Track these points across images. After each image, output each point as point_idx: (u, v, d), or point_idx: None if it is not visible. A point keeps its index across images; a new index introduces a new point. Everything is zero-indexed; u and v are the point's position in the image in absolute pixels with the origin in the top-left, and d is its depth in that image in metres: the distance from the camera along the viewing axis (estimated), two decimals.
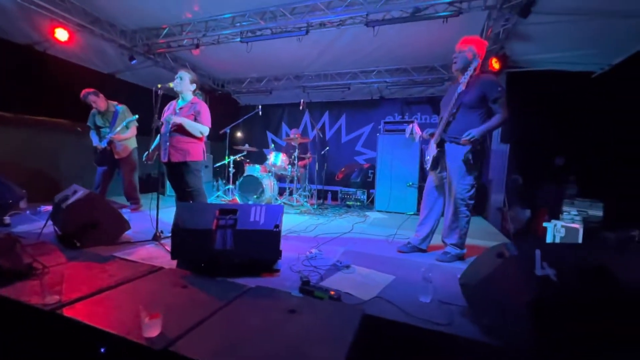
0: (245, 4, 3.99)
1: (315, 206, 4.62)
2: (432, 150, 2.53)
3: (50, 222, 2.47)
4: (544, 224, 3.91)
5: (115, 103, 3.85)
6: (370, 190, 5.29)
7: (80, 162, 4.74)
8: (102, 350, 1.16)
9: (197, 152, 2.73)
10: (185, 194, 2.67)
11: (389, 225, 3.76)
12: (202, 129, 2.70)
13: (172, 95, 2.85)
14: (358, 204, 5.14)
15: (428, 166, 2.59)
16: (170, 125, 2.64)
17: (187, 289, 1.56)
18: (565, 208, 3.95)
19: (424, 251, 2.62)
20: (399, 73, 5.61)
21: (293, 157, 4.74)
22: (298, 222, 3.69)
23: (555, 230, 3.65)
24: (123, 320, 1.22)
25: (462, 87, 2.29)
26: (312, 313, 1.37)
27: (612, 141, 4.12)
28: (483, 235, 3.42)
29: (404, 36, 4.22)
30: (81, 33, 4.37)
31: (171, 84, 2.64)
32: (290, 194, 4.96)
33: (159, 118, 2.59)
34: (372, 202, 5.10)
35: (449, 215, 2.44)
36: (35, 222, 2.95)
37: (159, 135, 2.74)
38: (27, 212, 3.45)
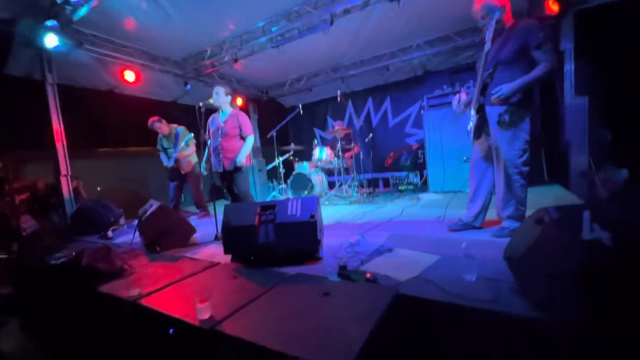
0: (271, 9, 4.15)
1: (366, 195, 4.60)
2: (473, 118, 2.30)
3: (137, 233, 2.98)
4: None
5: (176, 126, 4.40)
6: (423, 172, 5.03)
7: (162, 180, 5.55)
8: (171, 331, 1.40)
9: (244, 158, 2.99)
10: (236, 197, 2.96)
11: (442, 205, 3.53)
12: (249, 142, 2.97)
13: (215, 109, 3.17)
14: (411, 187, 4.94)
15: (471, 136, 2.36)
16: (220, 140, 2.95)
17: (237, 279, 1.76)
18: None
19: (478, 228, 2.43)
20: (440, 42, 5.18)
21: (337, 149, 4.78)
22: (346, 212, 3.73)
23: None
24: (184, 306, 1.45)
25: (488, 45, 2.05)
26: (345, 295, 1.42)
27: None
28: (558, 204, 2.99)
29: (431, 5, 3.89)
30: (145, 71, 5.09)
31: (211, 100, 2.93)
32: (340, 186, 5.02)
33: (205, 132, 2.91)
34: (425, 183, 4.85)
35: (502, 186, 2.20)
36: (130, 234, 3.58)
37: (206, 148, 3.08)
38: (125, 226, 4.19)
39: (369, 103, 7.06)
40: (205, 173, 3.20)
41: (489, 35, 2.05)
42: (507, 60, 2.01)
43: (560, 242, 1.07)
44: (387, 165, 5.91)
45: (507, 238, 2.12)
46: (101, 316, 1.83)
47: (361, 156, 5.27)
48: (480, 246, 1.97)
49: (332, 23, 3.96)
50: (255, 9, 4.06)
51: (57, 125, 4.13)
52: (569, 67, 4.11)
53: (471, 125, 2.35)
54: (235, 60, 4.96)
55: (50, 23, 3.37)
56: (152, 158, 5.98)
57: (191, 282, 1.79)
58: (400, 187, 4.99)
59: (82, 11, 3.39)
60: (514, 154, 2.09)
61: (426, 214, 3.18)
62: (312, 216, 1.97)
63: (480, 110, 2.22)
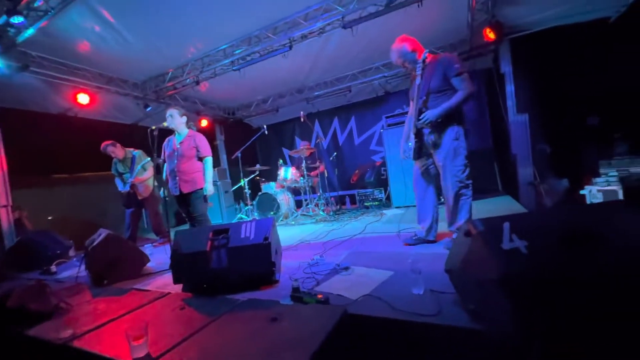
0: (232, 35, 4.23)
1: (332, 213, 4.63)
2: (411, 141, 2.48)
3: (83, 266, 2.76)
4: (581, 192, 3.56)
5: (132, 149, 4.23)
6: (387, 188, 5.18)
7: (120, 207, 5.23)
8: None
9: (201, 181, 2.92)
10: (194, 221, 2.85)
11: (404, 220, 3.65)
12: (208, 164, 2.93)
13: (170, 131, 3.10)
14: (376, 203, 5.05)
15: (410, 156, 2.52)
16: (176, 161, 2.86)
17: (184, 310, 1.67)
18: (602, 170, 3.57)
19: (432, 242, 2.51)
20: (392, 66, 5.51)
21: (302, 168, 4.82)
22: (311, 231, 3.72)
23: (591, 197, 3.30)
24: (120, 345, 1.34)
25: (419, 79, 2.33)
26: (293, 318, 1.39)
27: None
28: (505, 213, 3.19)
29: (385, 30, 4.16)
30: (100, 93, 4.91)
31: (165, 124, 2.87)
32: (308, 205, 5.02)
33: (159, 155, 2.83)
34: (388, 199, 4.99)
35: (450, 200, 2.34)
36: (77, 267, 3.31)
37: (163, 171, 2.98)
38: (74, 259, 3.87)
39: (335, 122, 7.25)
40: (167, 198, 3.08)
41: (418, 71, 2.34)
42: (437, 89, 2.27)
43: (484, 252, 1.13)
44: (353, 182, 6.02)
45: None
46: None
47: (326, 174, 5.33)
48: (430, 260, 2.03)
49: (291, 47, 4.09)
50: (216, 33, 4.11)
51: None
52: (510, 88, 4.52)
53: (411, 146, 2.50)
54: (197, 83, 4.93)
55: None
56: (110, 184, 5.68)
57: (134, 317, 1.67)
58: (366, 204, 5.08)
59: (27, 33, 3.24)
60: (457, 169, 2.26)
61: (387, 229, 3.25)
62: (266, 238, 1.94)
63: (419, 134, 2.42)
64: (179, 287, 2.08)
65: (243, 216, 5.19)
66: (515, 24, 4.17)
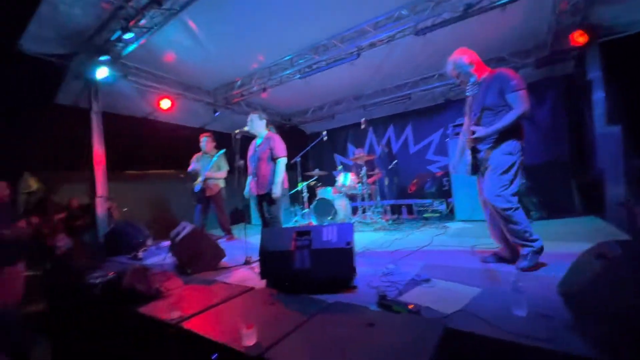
0: (300, 44, 4.42)
1: (390, 222, 4.54)
2: (466, 158, 2.38)
3: (169, 254, 3.04)
4: None
5: (217, 151, 4.58)
6: (449, 199, 4.95)
7: (186, 202, 5.67)
8: (214, 357, 1.39)
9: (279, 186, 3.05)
10: (267, 222, 2.99)
11: (473, 234, 3.45)
12: (280, 165, 3.01)
13: (251, 137, 3.30)
14: (436, 215, 4.85)
15: (464, 171, 2.42)
16: (254, 163, 3.05)
17: (274, 305, 1.75)
18: None
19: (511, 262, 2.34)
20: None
21: (361, 175, 4.82)
22: (373, 239, 3.69)
23: None
24: (227, 331, 1.45)
25: (471, 91, 2.29)
26: (390, 326, 1.39)
27: None
28: (600, 237, 2.86)
29: (456, 36, 4.02)
30: (178, 99, 5.42)
31: (245, 128, 3.06)
32: (364, 212, 4.99)
33: (241, 158, 3.03)
34: (451, 211, 4.75)
35: (498, 216, 2.23)
36: (159, 255, 3.65)
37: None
38: (153, 247, 4.28)
39: (390, 130, 7.16)
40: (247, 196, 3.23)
41: (469, 87, 2.31)
42: (491, 105, 2.17)
43: (627, 279, 1.02)
44: (411, 191, 5.86)
45: (532, 265, 2.11)
46: (138, 338, 1.85)
47: (386, 182, 5.26)
48: (524, 280, 1.89)
49: (358, 56, 4.15)
50: (284, 43, 4.34)
51: (99, 149, 4.39)
52: (598, 95, 4.08)
53: (467, 161, 2.40)
54: (264, 90, 5.22)
55: (103, 58, 3.70)
56: (177, 181, 6.22)
57: (229, 307, 1.80)
58: (425, 215, 4.91)
59: (132, 47, 3.72)
60: (502, 185, 2.14)
61: (457, 244, 3.10)
62: (349, 243, 1.97)
63: (474, 151, 2.33)
64: (259, 282, 2.19)
65: (299, 219, 5.32)
66: (608, 25, 3.77)
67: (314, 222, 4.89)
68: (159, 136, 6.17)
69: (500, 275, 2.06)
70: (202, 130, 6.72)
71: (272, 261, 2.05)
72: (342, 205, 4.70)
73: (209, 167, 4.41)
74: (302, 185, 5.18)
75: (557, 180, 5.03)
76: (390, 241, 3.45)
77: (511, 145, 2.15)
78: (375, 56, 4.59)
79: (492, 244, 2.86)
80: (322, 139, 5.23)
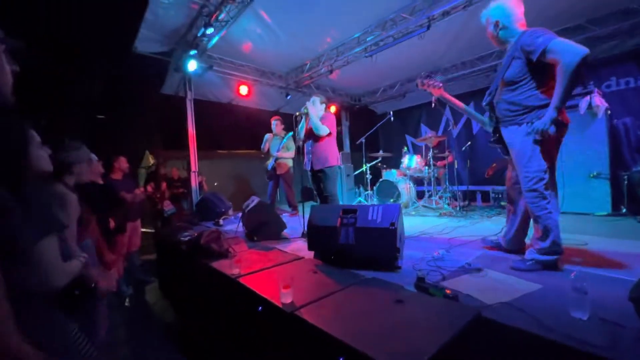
0: (366, 20, 4.30)
1: (459, 208, 4.23)
2: (489, 138, 2.12)
3: (240, 223, 3.51)
4: None
5: (286, 132, 4.97)
6: None
7: (263, 180, 6.29)
8: (259, 308, 1.64)
9: (333, 159, 3.17)
10: (324, 198, 3.16)
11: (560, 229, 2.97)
12: (320, 125, 3.09)
13: None
14: None
15: (503, 154, 2.10)
16: (311, 140, 3.22)
17: (316, 274, 1.91)
18: None
19: (508, 252, 2.20)
20: (569, 33, 4.36)
21: (429, 157, 4.55)
22: (434, 224, 3.52)
23: None
24: (272, 289, 1.67)
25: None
26: (419, 306, 1.39)
27: None
28: None
29: None
30: (255, 85, 5.92)
31: (304, 109, 3.22)
32: (430, 196, 4.75)
33: (300, 136, 3.23)
34: None
35: (526, 213, 2.00)
36: (235, 223, 4.22)
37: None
38: (232, 217, 4.94)
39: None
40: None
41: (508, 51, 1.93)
42: (511, 79, 1.86)
43: None
44: (488, 176, 5.27)
45: (528, 272, 1.82)
46: (210, 285, 2.26)
47: (456, 166, 4.86)
48: (597, 281, 1.62)
49: (429, 27, 3.83)
50: (351, 21, 4.28)
51: (192, 131, 5.19)
52: None
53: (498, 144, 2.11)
54: (331, 71, 5.29)
55: (192, 52, 4.30)
56: (256, 160, 6.92)
57: (279, 270, 2.04)
58: (502, 203, 4.39)
59: (214, 40, 4.21)
60: (532, 176, 1.84)
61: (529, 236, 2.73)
62: (393, 224, 1.97)
63: (496, 131, 2.04)
64: (310, 254, 2.38)
65: (362, 200, 5.37)
66: None
67: (376, 203, 4.88)
68: (239, 119, 6.92)
69: (567, 275, 1.78)
70: (276, 112, 7.25)
71: (318, 235, 2.21)
72: (405, 188, 4.56)
73: (280, 148, 4.79)
74: (366, 167, 5.18)
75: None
76: (452, 227, 3.24)
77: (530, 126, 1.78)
78: (451, 26, 4.16)
79: (578, 240, 2.47)
80: (388, 119, 5.08)
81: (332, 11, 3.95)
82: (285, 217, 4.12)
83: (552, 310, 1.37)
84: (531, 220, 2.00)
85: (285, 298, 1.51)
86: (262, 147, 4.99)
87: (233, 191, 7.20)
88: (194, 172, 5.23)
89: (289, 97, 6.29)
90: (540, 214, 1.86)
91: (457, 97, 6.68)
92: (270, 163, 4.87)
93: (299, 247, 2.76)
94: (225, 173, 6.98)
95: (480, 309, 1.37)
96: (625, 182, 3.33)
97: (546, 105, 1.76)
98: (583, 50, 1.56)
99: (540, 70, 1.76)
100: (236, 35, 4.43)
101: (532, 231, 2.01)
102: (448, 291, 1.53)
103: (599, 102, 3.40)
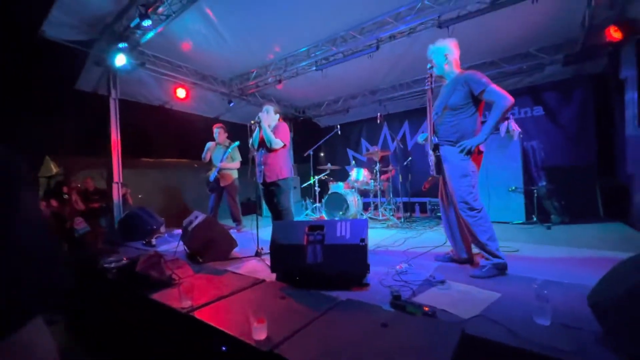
0: (317, 35, 4.33)
1: (403, 219, 4.46)
2: (429, 156, 2.37)
3: (181, 242, 3.07)
4: None
5: (229, 142, 4.60)
6: None
7: (199, 191, 5.72)
8: (224, 348, 1.38)
9: (287, 171, 3.02)
10: (277, 213, 2.97)
11: None
12: (273, 139, 2.96)
13: None
14: None
15: (433, 172, 2.38)
16: (262, 151, 3.02)
17: (285, 300, 1.72)
18: None
19: (460, 262, 2.41)
20: (485, 67, 5.09)
21: (375, 171, 4.73)
22: (385, 236, 3.62)
23: None
24: (237, 323, 1.43)
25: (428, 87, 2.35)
26: (405, 328, 1.34)
27: None
28: (627, 246, 2.72)
29: (482, 29, 3.86)
30: (193, 89, 5.43)
31: (260, 119, 3.02)
32: (375, 208, 4.92)
33: (253, 147, 3.01)
34: None
35: (463, 224, 2.22)
36: (171, 243, 3.69)
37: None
38: (166, 235, 4.34)
39: (405, 126, 7.01)
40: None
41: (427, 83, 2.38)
42: (453, 105, 2.18)
43: None
44: (425, 189, 5.74)
45: (490, 278, 2.03)
46: (150, 323, 1.86)
47: (400, 179, 5.17)
48: (547, 287, 1.80)
49: (377, 48, 4.04)
50: (302, 34, 4.26)
51: (115, 135, 4.46)
52: (631, 96, 3.85)
53: (430, 161, 2.40)
54: (279, 82, 5.17)
55: (122, 45, 3.72)
56: (190, 170, 6.28)
57: (239, 299, 1.78)
58: (438, 214, 4.78)
59: (149, 35, 3.72)
60: (463, 190, 2.14)
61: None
62: (363, 240, 1.92)
63: (436, 149, 2.30)
64: (269, 275, 2.17)
65: (310, 213, 5.29)
66: None
67: (325, 217, 4.85)
68: (174, 125, 6.23)
69: (521, 280, 1.97)
70: (216, 120, 6.76)
71: (283, 255, 2.03)
72: (353, 201, 4.64)
73: (224, 158, 4.43)
74: (314, 179, 5.14)
75: (581, 184, 4.81)
76: (402, 239, 3.38)
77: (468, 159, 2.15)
78: (394, 49, 4.46)
79: (509, 246, 2.78)
80: (335, 133, 5.16)
81: (283, 20, 3.87)
82: (233, 234, 3.77)
83: (517, 318, 1.46)
84: (467, 229, 2.23)
85: (258, 334, 1.29)
86: (202, 156, 4.55)
87: (163, 205, 6.34)
88: (117, 183, 4.48)
89: (231, 105, 5.93)
90: (474, 221, 2.13)
91: (394, 115, 7.21)
92: (212, 174, 4.45)
93: (255, 267, 2.51)
94: (157, 184, 6.14)
95: (462, 325, 1.38)
96: (535, 195, 3.94)
97: (477, 131, 2.16)
98: (511, 99, 2.01)
99: (476, 103, 2.16)
100: (176, 33, 4.00)
101: (477, 238, 2.17)
102: (426, 308, 1.52)
103: (515, 127, 4.00)
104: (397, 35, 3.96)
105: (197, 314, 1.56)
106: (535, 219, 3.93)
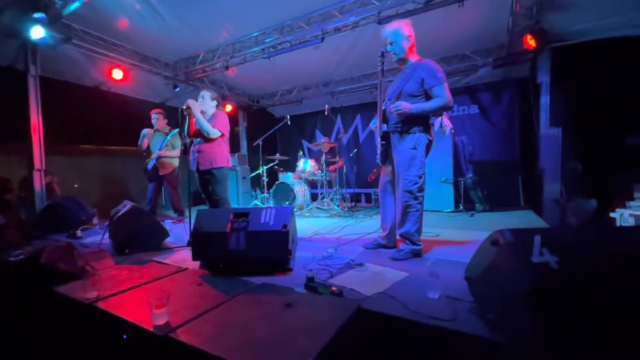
0: (265, 22, 4.25)
1: (347, 209, 4.62)
2: (377, 144, 2.42)
3: (107, 234, 2.89)
4: (611, 214, 3.41)
5: (170, 128, 4.36)
6: None
7: (143, 181, 5.35)
8: (124, 336, 1.35)
9: (222, 160, 2.94)
10: (213, 202, 2.92)
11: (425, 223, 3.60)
12: (210, 129, 2.81)
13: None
14: None
15: (379, 161, 2.46)
16: (198, 139, 2.92)
17: (201, 287, 1.72)
18: (638, 194, 3.39)
19: (390, 247, 2.51)
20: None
21: (322, 162, 4.82)
22: (326, 224, 3.74)
23: (622, 220, 3.14)
24: (141, 311, 1.40)
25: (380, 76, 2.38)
26: (307, 307, 1.41)
27: None
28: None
29: (421, 29, 4.03)
30: (134, 70, 5.05)
31: (187, 107, 2.90)
32: (323, 198, 5.03)
33: (188, 135, 2.89)
34: None
35: (399, 210, 2.31)
36: (101, 235, 3.46)
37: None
38: (98, 227, 4.05)
39: (358, 119, 7.20)
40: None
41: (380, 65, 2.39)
42: (410, 93, 2.19)
43: (512, 264, 1.10)
44: (370, 180, 5.99)
45: (405, 261, 2.20)
46: (56, 318, 1.75)
47: (344, 170, 5.32)
48: (449, 265, 2.00)
49: (322, 39, 4.07)
50: (249, 20, 4.14)
51: (36, 118, 4.03)
52: (545, 99, 4.34)
53: (378, 149, 2.44)
54: (227, 68, 5.00)
55: (38, 15, 3.33)
56: (133, 158, 5.87)
57: (154, 287, 1.74)
58: None
59: (73, 6, 3.38)
60: (409, 180, 2.21)
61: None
62: (285, 226, 1.96)
63: (385, 137, 2.35)
64: (196, 264, 2.15)
65: (258, 203, 5.26)
66: (559, 33, 3.97)
67: (272, 206, 4.85)
68: (117, 110, 5.74)
69: (427, 262, 2.16)
70: (161, 105, 6.36)
71: (206, 242, 2.01)
72: (301, 191, 4.70)
73: (163, 145, 4.21)
74: (262, 169, 5.10)
75: (507, 176, 5.35)
76: (340, 227, 3.51)
77: (414, 137, 2.20)
78: (342, 42, 4.53)
79: (432, 232, 3.03)
80: (285, 122, 5.15)
81: (228, 4, 3.73)
82: (169, 224, 3.64)
83: (414, 293, 1.61)
84: (398, 215, 2.34)
85: (158, 319, 1.28)
86: (139, 143, 4.28)
87: (102, 195, 5.87)
88: (39, 170, 4.06)
89: (177, 90, 5.62)
90: (411, 210, 2.24)
91: (346, 109, 7.36)
92: (150, 162, 4.22)
93: (184, 257, 2.46)
94: (94, 173, 5.65)
95: (361, 301, 1.49)
96: (462, 186, 4.31)
97: (428, 119, 2.22)
98: (452, 104, 2.15)
99: (428, 94, 2.19)
100: (107, 7, 3.67)
101: (406, 226, 2.30)
102: (334, 288, 1.62)
103: (447, 123, 4.31)
104: (342, 28, 4.02)
105: (100, 304, 1.50)
106: (462, 207, 4.31)
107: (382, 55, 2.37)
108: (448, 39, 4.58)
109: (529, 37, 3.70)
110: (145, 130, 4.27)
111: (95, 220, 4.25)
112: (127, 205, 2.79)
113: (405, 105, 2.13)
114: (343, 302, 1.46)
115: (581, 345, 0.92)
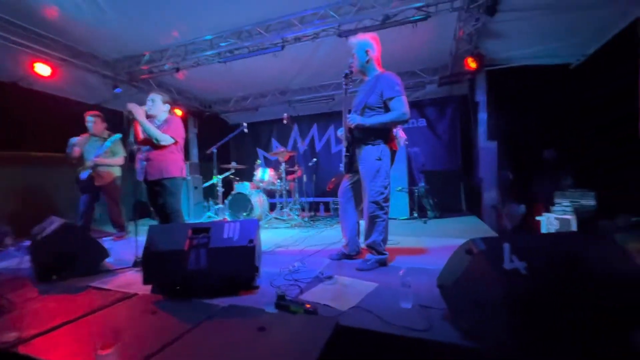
0: (222, 26, 4.07)
1: (307, 219, 4.57)
2: (342, 154, 2.47)
3: (27, 257, 2.42)
4: (537, 218, 3.86)
5: (110, 133, 3.86)
6: None
7: (75, 194, 4.63)
8: None
9: (175, 169, 2.67)
10: (164, 216, 2.63)
11: None
12: (159, 135, 2.56)
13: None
14: None
15: (342, 169, 2.51)
16: (148, 147, 2.62)
17: (156, 315, 1.50)
18: (557, 200, 3.91)
19: (352, 257, 2.54)
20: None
21: (280, 171, 4.72)
22: (287, 236, 3.63)
23: (548, 223, 3.58)
24: (78, 354, 1.16)
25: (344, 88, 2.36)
26: (282, 329, 1.31)
27: (594, 131, 4.12)
28: (477, 234, 3.36)
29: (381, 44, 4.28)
30: (64, 66, 4.42)
31: (144, 108, 2.63)
32: (282, 208, 4.91)
33: (135, 142, 2.59)
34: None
35: (366, 219, 2.36)
36: (17, 258, 2.89)
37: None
38: (12, 248, 3.39)
39: (314, 129, 7.25)
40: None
41: (344, 86, 2.36)
42: (372, 105, 2.23)
43: (485, 271, 1.15)
44: (329, 190, 6.04)
45: (372, 270, 2.21)
46: None
47: (304, 179, 5.28)
48: (417, 273, 2.05)
49: (283, 48, 4.03)
50: (204, 21, 3.92)
51: None
52: (482, 116, 4.84)
53: (344, 159, 2.47)
54: (177, 70, 4.67)
55: None
56: (60, 167, 5.08)
57: (95, 320, 1.47)
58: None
59: None
60: (375, 191, 2.24)
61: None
62: (251, 241, 1.83)
63: (350, 148, 2.39)
64: (147, 288, 1.89)
65: (212, 215, 4.93)
66: (493, 57, 4.50)
67: (229, 218, 4.59)
68: (43, 111, 4.94)
69: (395, 270, 2.19)
70: (97, 107, 5.67)
71: (160, 263, 1.78)
72: (259, 201, 4.52)
73: (101, 153, 3.72)
74: (217, 179, 4.81)
75: (451, 184, 5.83)
76: (302, 238, 3.43)
77: (379, 149, 2.23)
78: (301, 52, 4.53)
79: (392, 240, 3.11)
80: (241, 130, 4.94)
81: (178, 3, 3.49)
82: (108, 242, 3.18)
83: (387, 305, 1.61)
84: (364, 226, 2.35)
85: None
86: (67, 152, 3.73)
87: (19, 210, 4.93)
88: None
89: (118, 91, 5.06)
90: (377, 221, 2.27)
91: (302, 118, 7.41)
92: (85, 171, 3.69)
93: (130, 280, 2.15)
94: (11, 183, 4.73)
95: (337, 317, 1.43)
96: (416, 194, 4.56)
97: (389, 131, 2.26)
98: (408, 117, 2.18)
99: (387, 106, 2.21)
100: None
101: (373, 236, 2.31)
102: (308, 305, 1.54)
103: (402, 134, 4.54)
104: (302, 38, 4.02)
105: (22, 349, 1.21)
106: (415, 215, 4.55)
107: (346, 76, 2.38)
108: (400, 56, 4.87)
109: (469, 60, 4.11)
110: (75, 139, 3.74)
111: (8, 241, 3.57)
112: (54, 222, 2.37)
113: (358, 119, 2.19)
114: (320, 321, 1.39)
115: (554, 348, 0.97)
